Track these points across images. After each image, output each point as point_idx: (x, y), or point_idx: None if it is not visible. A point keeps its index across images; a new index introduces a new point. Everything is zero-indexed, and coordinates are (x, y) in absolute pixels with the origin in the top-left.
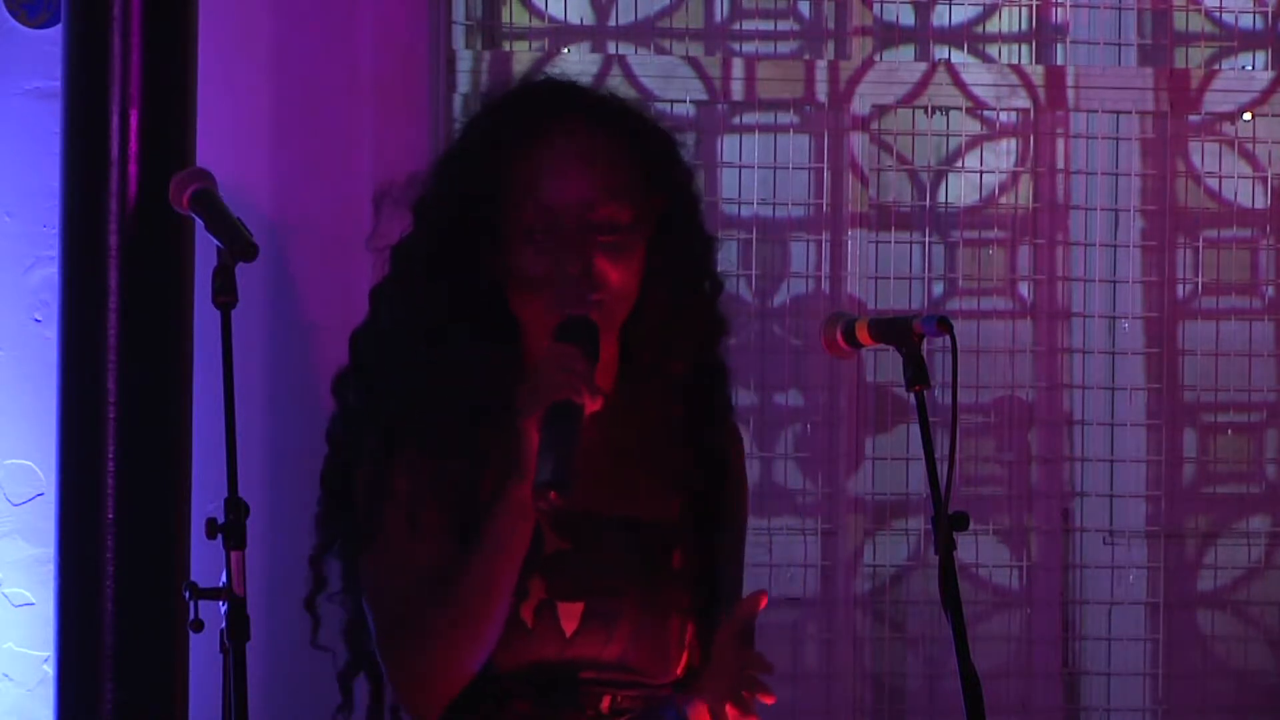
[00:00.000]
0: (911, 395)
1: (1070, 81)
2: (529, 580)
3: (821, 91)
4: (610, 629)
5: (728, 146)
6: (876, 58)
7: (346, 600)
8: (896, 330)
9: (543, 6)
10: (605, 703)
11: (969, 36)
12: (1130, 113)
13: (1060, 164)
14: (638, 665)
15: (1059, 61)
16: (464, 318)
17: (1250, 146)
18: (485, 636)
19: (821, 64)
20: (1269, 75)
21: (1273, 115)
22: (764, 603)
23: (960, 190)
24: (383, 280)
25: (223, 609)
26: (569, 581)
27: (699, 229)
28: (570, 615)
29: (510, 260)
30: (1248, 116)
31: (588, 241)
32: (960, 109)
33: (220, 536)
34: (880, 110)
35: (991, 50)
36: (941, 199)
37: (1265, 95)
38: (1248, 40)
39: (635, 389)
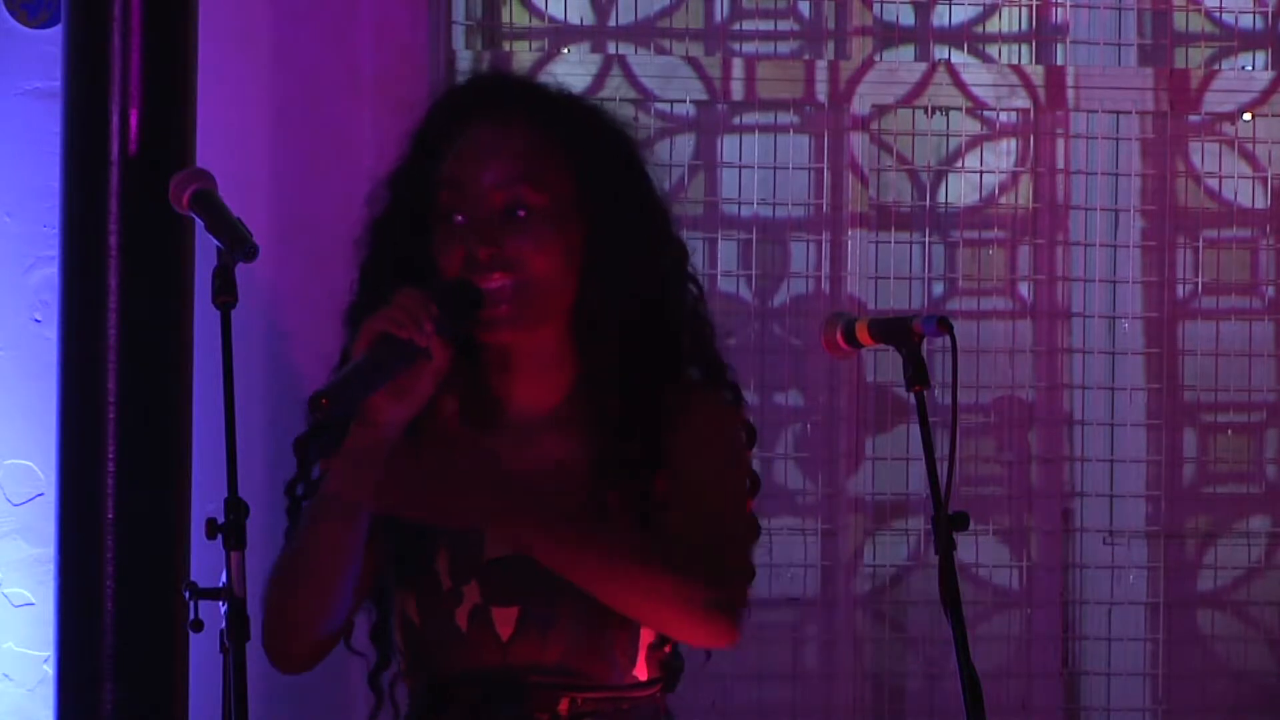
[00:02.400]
0: (911, 395)
1: (1070, 81)
2: (465, 585)
3: (821, 91)
4: (546, 633)
5: (728, 146)
6: (876, 58)
7: (372, 602)
8: (896, 330)
9: (543, 6)
10: (564, 705)
11: (969, 36)
12: (1130, 113)
13: (1060, 164)
14: (580, 669)
15: (1059, 61)
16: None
17: (1250, 146)
18: (321, 576)
19: (821, 64)
20: (1269, 75)
21: (1273, 115)
22: None
23: (960, 190)
24: (351, 301)
25: (223, 609)
26: (505, 586)
27: (641, 226)
28: (505, 620)
29: (434, 250)
30: (1248, 116)
31: (493, 222)
32: (960, 109)
33: (220, 536)
34: (880, 110)
35: (991, 50)
36: (941, 199)
37: (1265, 95)
38: (1248, 40)
39: (591, 393)
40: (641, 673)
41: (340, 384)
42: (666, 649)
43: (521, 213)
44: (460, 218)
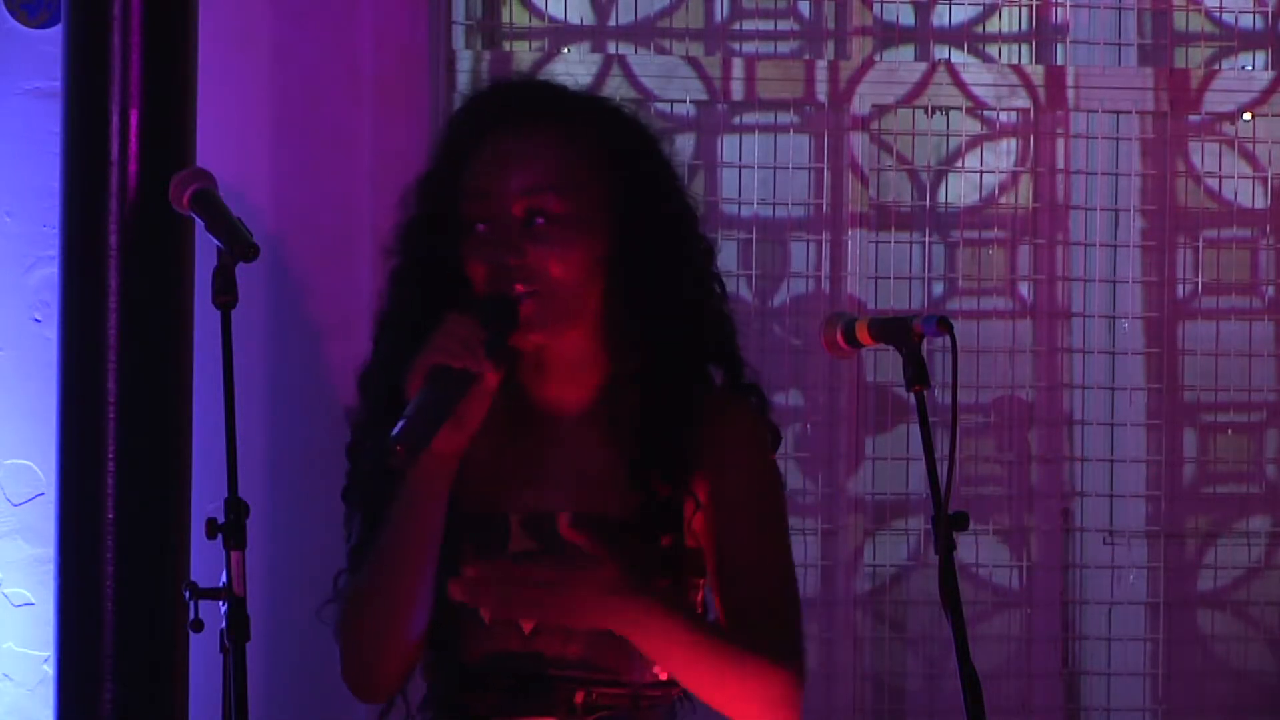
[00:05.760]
0: (911, 395)
1: (1070, 81)
2: None
3: (821, 91)
4: (569, 628)
5: (728, 146)
6: (876, 58)
7: None
8: (896, 330)
9: (543, 6)
10: (579, 697)
11: (969, 36)
12: (1130, 113)
13: (1060, 164)
14: (603, 664)
15: (1059, 61)
16: (429, 315)
17: (1250, 146)
18: (400, 607)
19: (821, 64)
20: (1269, 75)
21: (1273, 115)
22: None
23: (960, 190)
24: (381, 308)
25: (223, 609)
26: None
27: (669, 226)
28: None
29: (463, 259)
30: (1248, 116)
31: (514, 231)
32: (960, 109)
33: (220, 536)
34: (880, 110)
35: (991, 50)
36: (941, 199)
37: (1265, 95)
38: (1248, 40)
39: (620, 393)
40: (663, 672)
41: (411, 427)
42: None
43: (541, 220)
44: (482, 227)
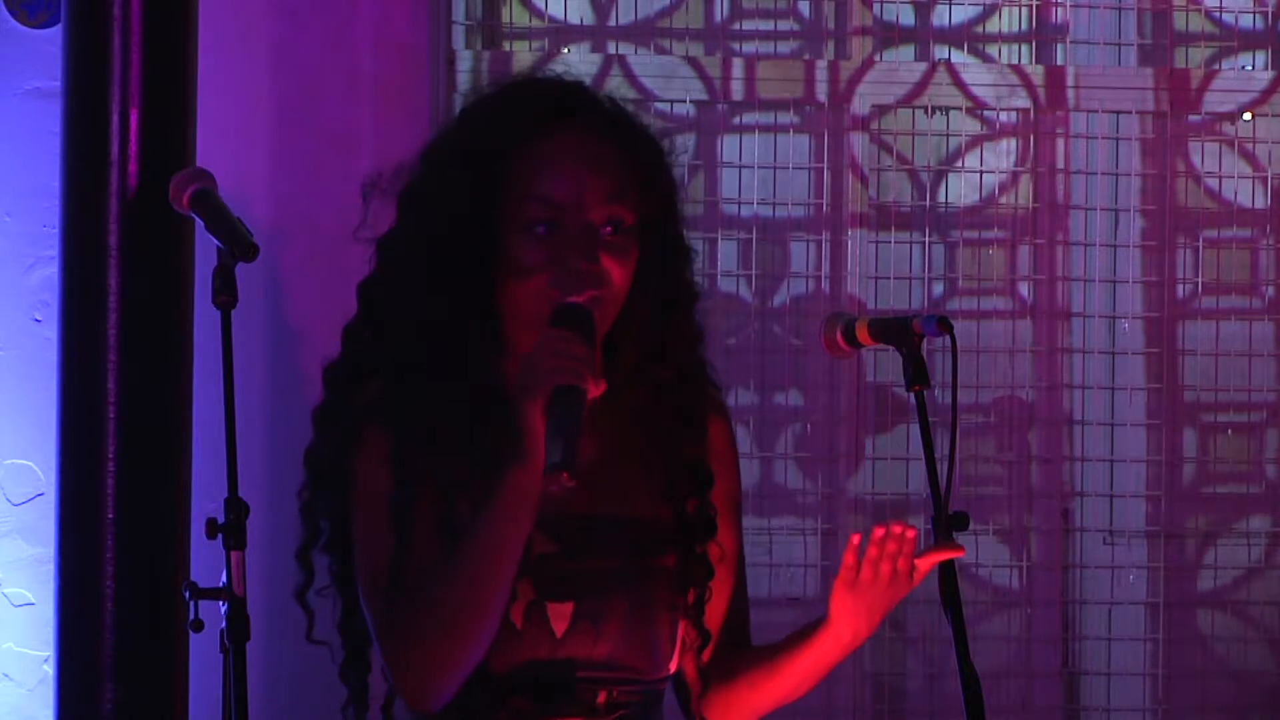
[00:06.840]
0: (911, 395)
1: (1070, 81)
2: (517, 582)
3: (821, 91)
4: (599, 628)
5: (728, 146)
6: (876, 58)
7: (338, 593)
8: (896, 330)
9: (543, 6)
10: (601, 697)
11: (969, 36)
12: (1130, 113)
13: (1060, 164)
14: (629, 663)
15: (1059, 61)
16: (452, 311)
17: (1250, 146)
18: (486, 626)
19: (821, 64)
20: (1269, 75)
21: (1273, 115)
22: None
23: (960, 190)
24: (372, 273)
25: (223, 609)
26: (558, 582)
27: (682, 239)
28: (560, 616)
29: (507, 253)
30: (1248, 116)
31: (593, 239)
32: (960, 109)
33: (220, 536)
34: (880, 110)
35: (991, 50)
36: (941, 199)
37: (1265, 95)
38: (1248, 40)
39: (620, 393)
40: (674, 665)
41: (568, 451)
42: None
43: (610, 229)
44: (542, 229)
